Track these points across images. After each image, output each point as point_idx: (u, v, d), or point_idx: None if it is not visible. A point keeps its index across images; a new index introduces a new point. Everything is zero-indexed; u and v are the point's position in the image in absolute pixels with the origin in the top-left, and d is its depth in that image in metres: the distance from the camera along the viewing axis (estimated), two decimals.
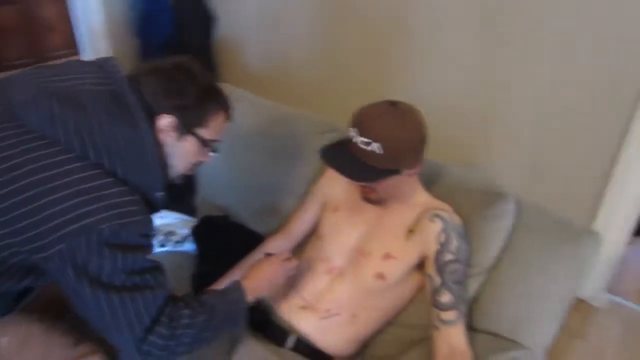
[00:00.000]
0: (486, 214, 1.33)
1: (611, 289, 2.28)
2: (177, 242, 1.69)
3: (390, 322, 1.40)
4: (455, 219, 1.29)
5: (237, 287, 1.18)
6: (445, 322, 1.20)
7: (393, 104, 1.23)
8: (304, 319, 1.35)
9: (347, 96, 2.44)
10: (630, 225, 2.02)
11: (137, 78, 1.05)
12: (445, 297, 1.21)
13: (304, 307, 1.37)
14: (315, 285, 1.38)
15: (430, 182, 1.46)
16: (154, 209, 1.08)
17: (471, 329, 1.31)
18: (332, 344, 1.34)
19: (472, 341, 1.22)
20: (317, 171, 1.64)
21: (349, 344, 1.37)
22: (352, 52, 2.45)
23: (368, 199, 1.31)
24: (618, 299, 2.30)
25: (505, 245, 1.33)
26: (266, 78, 2.85)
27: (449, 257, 1.23)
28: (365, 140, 1.18)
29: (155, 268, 1.03)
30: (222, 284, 1.47)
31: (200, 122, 1.10)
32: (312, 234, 1.55)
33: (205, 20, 2.93)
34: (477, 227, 1.32)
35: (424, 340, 1.33)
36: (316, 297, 1.37)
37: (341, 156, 1.24)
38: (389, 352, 1.39)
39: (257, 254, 1.54)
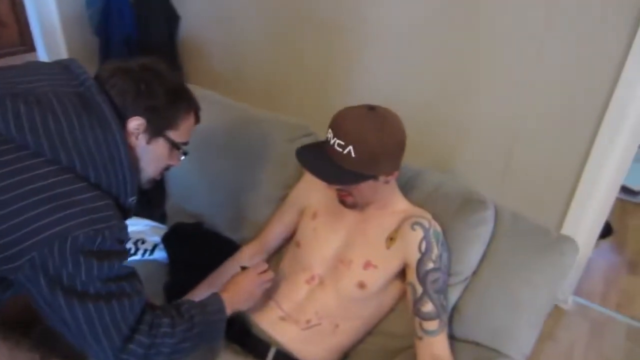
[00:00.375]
0: (466, 221, 1.32)
1: (577, 291, 2.33)
2: (147, 250, 1.61)
3: (371, 332, 1.38)
4: (436, 227, 1.27)
5: (216, 299, 1.16)
6: (427, 332, 1.19)
7: (371, 108, 1.20)
8: (285, 330, 1.32)
9: (309, 95, 2.42)
10: (598, 229, 2.06)
11: (103, 79, 1.01)
12: (428, 307, 1.19)
13: (283, 318, 1.33)
14: (294, 295, 1.35)
15: (407, 188, 1.44)
16: (126, 214, 1.04)
17: (452, 337, 1.30)
18: (313, 354, 1.31)
19: (453, 351, 1.21)
20: (293, 177, 1.60)
21: (330, 354, 1.34)
22: (313, 52, 2.42)
23: (344, 202, 1.29)
24: (584, 301, 2.35)
25: (485, 253, 1.32)
26: (231, 78, 2.78)
27: (430, 265, 1.21)
28: (341, 142, 1.16)
29: (131, 275, 0.99)
30: (196, 294, 1.42)
31: (171, 124, 1.07)
32: (289, 241, 1.51)
33: (168, 19, 2.83)
34: (457, 234, 1.31)
35: (407, 349, 1.32)
36: (296, 308, 1.33)
37: (317, 158, 1.21)
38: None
39: (232, 263, 1.50)
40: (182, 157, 1.16)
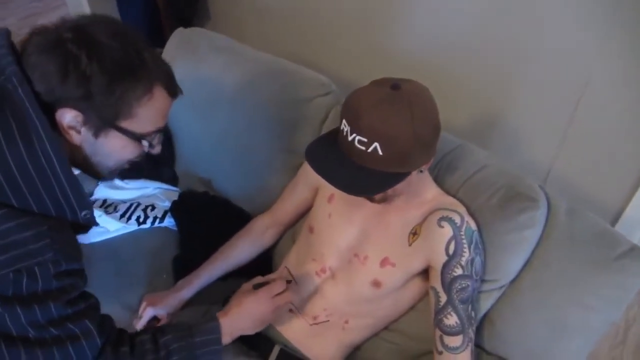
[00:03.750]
0: (510, 220, 1.08)
1: None
2: (157, 217, 1.50)
3: (387, 327, 1.24)
4: (470, 224, 1.06)
5: (212, 327, 0.99)
6: (449, 349, 1.03)
7: (395, 86, 0.94)
8: (290, 324, 1.21)
9: (347, 38, 2.05)
10: None
11: (25, 57, 0.79)
12: (451, 319, 1.02)
13: (290, 310, 1.21)
14: (303, 287, 1.21)
15: (440, 169, 1.20)
16: (88, 226, 0.89)
17: (479, 347, 1.14)
18: (320, 351, 1.21)
19: None
20: (309, 142, 1.38)
21: (338, 350, 1.23)
22: None
23: (371, 199, 1.08)
24: None
25: (528, 259, 1.09)
26: (254, 21, 2.33)
27: (458, 271, 1.02)
28: (363, 139, 0.92)
29: (81, 313, 0.84)
30: (206, 269, 1.32)
31: (121, 112, 0.82)
32: (305, 215, 1.35)
33: None
34: (497, 235, 1.09)
35: (425, 356, 1.19)
36: (304, 301, 1.21)
37: (333, 158, 0.98)
38: (382, 357, 1.24)
39: (244, 235, 1.36)
40: (157, 147, 0.92)
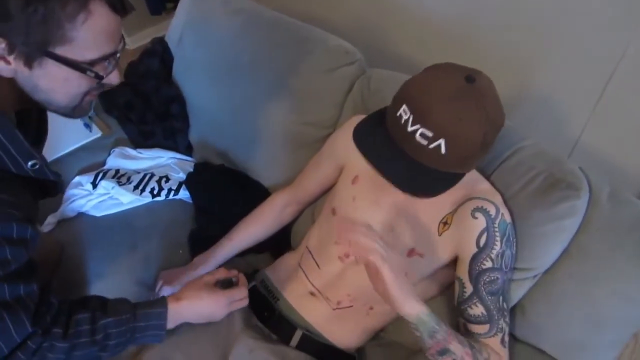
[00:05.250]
0: (549, 209, 1.02)
1: None
2: (172, 189, 1.44)
3: None
4: (505, 216, 0.99)
5: (159, 314, 0.95)
6: (473, 334, 0.98)
7: (469, 78, 0.85)
8: (313, 308, 1.18)
9: None
10: None
11: None
12: (476, 310, 0.97)
13: (313, 294, 1.18)
14: (326, 271, 1.16)
15: None
16: (47, 185, 0.82)
17: (512, 335, 1.10)
18: (343, 336, 1.18)
19: (511, 349, 1.01)
20: (331, 116, 1.32)
21: (361, 336, 1.20)
22: None
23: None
24: None
25: (566, 248, 1.03)
26: None
27: (487, 264, 0.96)
28: (427, 133, 0.84)
29: (17, 300, 0.79)
30: (222, 247, 1.27)
31: (51, 36, 0.69)
32: (327, 192, 1.29)
33: None
34: (534, 224, 1.03)
35: None
36: (327, 285, 1.16)
37: (384, 148, 0.90)
38: (407, 339, 1.21)
39: (265, 210, 1.31)
40: (113, 78, 0.80)
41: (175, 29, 1.51)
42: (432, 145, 0.84)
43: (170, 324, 0.97)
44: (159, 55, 1.55)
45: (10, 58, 0.70)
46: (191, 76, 1.49)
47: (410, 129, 0.85)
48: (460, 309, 0.99)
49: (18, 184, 0.79)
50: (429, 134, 0.84)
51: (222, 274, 1.06)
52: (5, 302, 0.77)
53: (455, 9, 1.51)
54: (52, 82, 0.74)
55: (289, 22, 1.40)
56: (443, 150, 0.84)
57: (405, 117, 0.86)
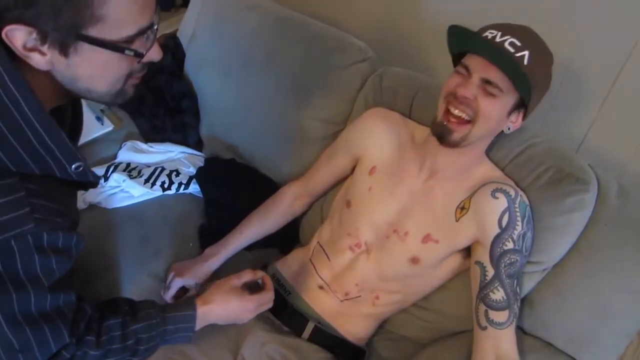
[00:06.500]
0: (557, 202, 1.04)
1: None
2: (182, 184, 1.46)
3: (419, 306, 1.21)
4: (524, 197, 1.03)
5: (188, 318, 0.95)
6: (494, 324, 0.99)
7: None
8: (322, 301, 1.20)
9: None
10: None
11: None
12: (498, 294, 0.99)
13: (321, 287, 1.20)
14: (335, 263, 1.19)
15: (488, 148, 1.14)
16: (86, 184, 0.78)
17: (519, 328, 1.12)
18: (352, 327, 1.20)
19: (520, 345, 1.02)
20: (343, 112, 1.34)
21: (369, 326, 1.22)
22: None
23: (446, 134, 0.99)
24: None
25: (576, 243, 1.06)
26: None
27: (509, 245, 0.99)
28: (517, 42, 0.93)
29: (57, 310, 0.77)
30: (232, 239, 1.28)
31: (81, 17, 0.62)
32: (337, 185, 1.32)
33: None
34: (543, 217, 1.05)
35: (460, 334, 1.16)
36: (335, 278, 1.19)
37: (487, 47, 0.95)
38: (415, 334, 1.23)
39: (274, 202, 1.33)
40: (154, 53, 0.73)
41: (188, 25, 1.53)
42: (519, 53, 0.92)
43: (197, 326, 0.97)
44: (171, 50, 1.57)
45: (44, 48, 0.64)
46: (203, 72, 1.51)
47: (499, 39, 0.93)
48: (482, 295, 1.00)
49: (64, 189, 0.76)
50: (518, 42, 0.92)
51: (249, 276, 1.05)
52: (45, 314, 0.75)
53: (467, 5, 1.54)
54: (92, 68, 0.69)
55: (303, 19, 1.42)
56: (526, 61, 0.92)
57: (493, 34, 0.94)
